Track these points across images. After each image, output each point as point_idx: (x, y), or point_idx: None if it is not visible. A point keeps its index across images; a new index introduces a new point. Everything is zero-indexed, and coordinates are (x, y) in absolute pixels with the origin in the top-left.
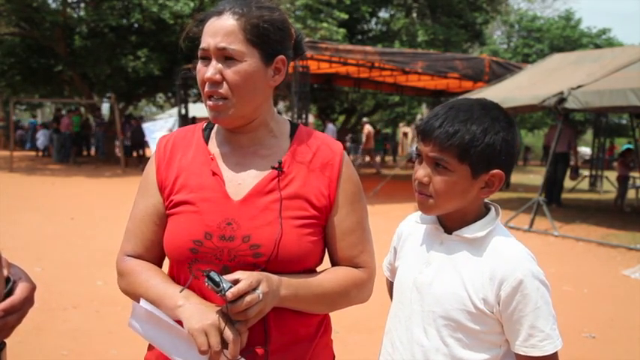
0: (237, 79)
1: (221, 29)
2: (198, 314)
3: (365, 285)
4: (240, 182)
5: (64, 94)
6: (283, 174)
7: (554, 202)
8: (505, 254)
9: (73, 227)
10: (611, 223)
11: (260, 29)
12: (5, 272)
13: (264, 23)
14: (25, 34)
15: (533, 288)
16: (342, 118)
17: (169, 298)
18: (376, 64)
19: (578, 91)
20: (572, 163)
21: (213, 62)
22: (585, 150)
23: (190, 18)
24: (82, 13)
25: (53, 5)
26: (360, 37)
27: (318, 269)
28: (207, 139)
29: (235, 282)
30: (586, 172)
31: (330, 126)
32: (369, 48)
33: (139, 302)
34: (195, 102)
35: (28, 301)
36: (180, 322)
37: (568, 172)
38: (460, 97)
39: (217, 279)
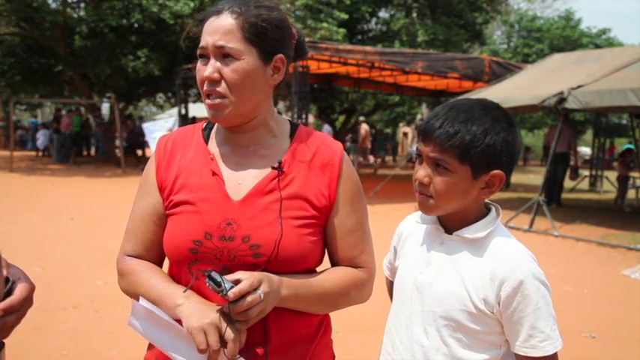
0: (235, 77)
1: (219, 28)
2: (198, 313)
3: (365, 285)
4: (240, 182)
5: (64, 94)
6: (283, 174)
7: (554, 202)
8: (506, 255)
9: (73, 227)
10: (611, 223)
11: (258, 28)
12: (4, 272)
13: (263, 22)
14: (25, 34)
15: (533, 289)
16: (342, 118)
17: (169, 297)
18: (376, 64)
19: (578, 91)
20: (572, 163)
21: (212, 61)
22: (585, 150)
23: (190, 18)
24: (82, 13)
25: (53, 5)
26: (360, 37)
27: (318, 269)
28: (207, 139)
29: (236, 282)
30: (586, 172)
31: (326, 127)
32: (369, 48)
33: (138, 301)
34: (195, 102)
35: (27, 302)
36: (179, 321)
37: (568, 172)
38: (460, 97)
39: (219, 279)
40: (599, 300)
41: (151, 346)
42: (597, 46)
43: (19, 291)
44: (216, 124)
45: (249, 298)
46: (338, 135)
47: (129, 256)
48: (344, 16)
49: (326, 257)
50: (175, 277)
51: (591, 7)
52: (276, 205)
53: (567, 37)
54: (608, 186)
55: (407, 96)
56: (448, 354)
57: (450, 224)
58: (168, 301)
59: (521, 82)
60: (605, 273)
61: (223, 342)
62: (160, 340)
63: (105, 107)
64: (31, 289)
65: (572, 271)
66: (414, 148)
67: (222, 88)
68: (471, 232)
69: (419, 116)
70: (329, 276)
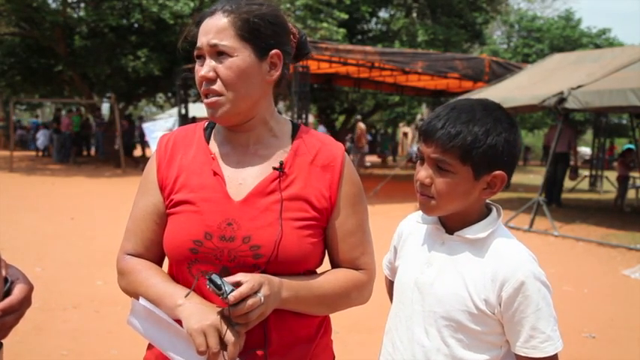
0: (230, 74)
1: (213, 27)
2: (198, 314)
3: (365, 287)
4: (241, 182)
5: (64, 94)
6: (284, 175)
7: (554, 202)
8: (507, 255)
9: (73, 227)
10: (611, 223)
11: (250, 24)
12: (3, 273)
13: (255, 18)
14: (25, 34)
15: (534, 289)
16: (342, 118)
17: (169, 297)
18: (376, 64)
19: (578, 91)
20: (572, 163)
21: (207, 60)
22: (585, 150)
23: (190, 18)
24: (82, 13)
25: (53, 5)
26: (360, 37)
27: (319, 270)
28: (208, 139)
29: (237, 284)
30: (586, 172)
31: (321, 127)
32: (369, 48)
33: (138, 300)
34: (195, 102)
35: (25, 302)
36: (179, 321)
37: (568, 172)
38: (461, 97)
39: (219, 282)
40: (599, 300)
41: (150, 346)
42: (597, 46)
43: (18, 291)
44: (217, 124)
45: (250, 302)
46: (337, 135)
47: (129, 255)
48: (344, 16)
49: (326, 258)
50: (175, 276)
51: (591, 7)
52: (276, 205)
53: (567, 37)
54: (608, 186)
55: (407, 96)
56: (449, 354)
57: (451, 224)
58: (169, 301)
59: (521, 82)
60: (605, 273)
61: (223, 344)
62: (159, 340)
63: (105, 107)
64: (30, 289)
65: (572, 271)
66: (414, 148)
67: (218, 86)
68: (472, 232)
69: (419, 116)
70: (329, 277)
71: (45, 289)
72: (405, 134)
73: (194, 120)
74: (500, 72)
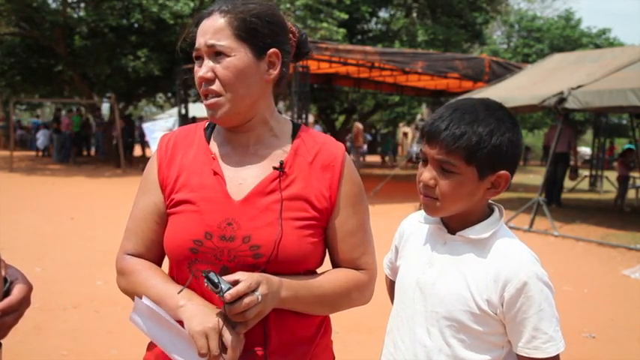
0: (228, 74)
1: (210, 27)
2: (200, 316)
3: (366, 287)
4: (241, 182)
5: (64, 94)
6: (284, 175)
7: (554, 202)
8: (509, 256)
9: (73, 227)
10: (611, 223)
11: (247, 23)
12: (3, 273)
13: (252, 17)
14: (25, 34)
15: (537, 290)
16: (342, 118)
17: (170, 298)
18: (376, 64)
19: (578, 91)
20: (572, 163)
21: (205, 61)
22: (585, 150)
23: (190, 18)
24: (82, 13)
25: (53, 5)
26: (360, 37)
27: (319, 271)
28: (208, 139)
29: (235, 283)
30: (586, 172)
31: (317, 127)
32: (369, 48)
33: (141, 298)
34: (195, 102)
35: (25, 302)
36: (181, 322)
37: (568, 172)
38: (462, 97)
39: (216, 280)
40: (599, 300)
41: (150, 347)
42: (597, 46)
43: (17, 291)
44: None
45: (247, 300)
46: (337, 135)
47: (129, 254)
48: (344, 16)
49: (327, 259)
50: (175, 277)
51: (591, 7)
52: (276, 205)
53: (567, 37)
54: (608, 186)
55: (407, 96)
56: (451, 354)
57: (453, 224)
58: (170, 301)
59: (521, 82)
60: (605, 273)
61: (224, 347)
62: (161, 339)
63: (105, 107)
64: (29, 289)
65: (572, 271)
66: (414, 148)
67: (216, 86)
68: (474, 232)
69: (419, 116)
70: (329, 277)
71: (45, 289)
72: (405, 134)
73: (194, 120)
74: (500, 72)
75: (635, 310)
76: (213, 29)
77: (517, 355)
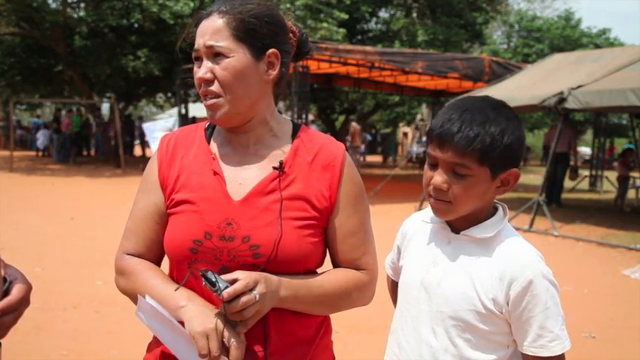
0: (227, 74)
1: (208, 28)
2: (201, 317)
3: (367, 287)
4: (241, 182)
5: (64, 94)
6: (284, 174)
7: (554, 202)
8: (515, 254)
9: (73, 227)
10: (611, 223)
11: (246, 24)
12: (2, 272)
13: (250, 17)
14: (25, 34)
15: (542, 288)
16: (342, 118)
17: (171, 299)
18: (376, 64)
19: (578, 91)
20: (572, 163)
21: (205, 61)
22: (585, 150)
23: (190, 18)
24: (82, 13)
25: (53, 5)
26: (360, 37)
27: (320, 271)
28: (208, 139)
29: (233, 282)
30: (586, 172)
31: (313, 127)
32: (369, 48)
33: (144, 297)
34: (195, 102)
35: (24, 302)
36: (182, 323)
37: (568, 172)
38: (463, 96)
39: (213, 279)
40: (599, 300)
41: (150, 347)
42: (597, 46)
43: (17, 291)
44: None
45: (244, 299)
46: (337, 135)
47: (129, 254)
48: (344, 16)
49: (328, 259)
50: (175, 277)
51: (591, 7)
52: (276, 205)
53: (567, 37)
54: (608, 186)
55: (407, 96)
56: (457, 354)
57: (458, 223)
58: (171, 302)
59: (521, 82)
60: (605, 273)
61: (225, 348)
62: (164, 337)
63: (105, 107)
64: (28, 289)
65: (572, 271)
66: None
67: (215, 87)
68: (479, 231)
69: (419, 116)
70: (330, 277)
71: (45, 289)
72: (405, 134)
73: (194, 120)
74: (500, 72)
75: (635, 310)
76: (212, 30)
77: (522, 354)
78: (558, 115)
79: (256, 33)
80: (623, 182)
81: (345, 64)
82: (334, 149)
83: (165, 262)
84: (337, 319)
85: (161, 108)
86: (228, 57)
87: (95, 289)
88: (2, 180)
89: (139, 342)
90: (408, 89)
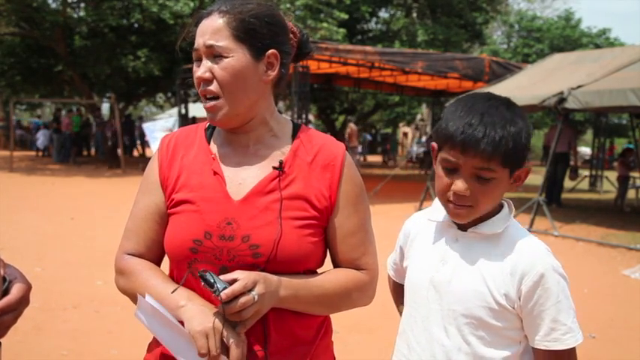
0: (225, 75)
1: (208, 28)
2: (201, 316)
3: (367, 287)
4: (241, 182)
5: (64, 94)
6: (284, 174)
7: (554, 202)
8: (524, 249)
9: (73, 227)
10: (611, 223)
11: (246, 24)
12: (1, 272)
13: (251, 18)
14: (25, 34)
15: (554, 282)
16: (342, 118)
17: (171, 298)
18: (376, 64)
19: (578, 91)
20: (572, 163)
21: (204, 61)
22: (585, 150)
23: (190, 18)
24: (82, 13)
25: (53, 5)
26: (360, 37)
27: (320, 271)
28: (209, 139)
29: (232, 282)
30: (586, 172)
31: (310, 126)
32: (369, 48)
33: (144, 297)
34: (195, 102)
35: (23, 301)
36: (182, 322)
37: (568, 172)
38: (468, 96)
39: (212, 280)
40: (599, 300)
41: (150, 347)
42: (597, 46)
43: (16, 290)
44: None
45: (243, 300)
46: (337, 135)
47: (129, 254)
48: (344, 16)
49: (328, 259)
50: (175, 277)
51: (591, 7)
52: (276, 205)
53: (567, 37)
54: (608, 186)
55: (407, 96)
56: (470, 352)
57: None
58: (170, 302)
59: (521, 82)
60: (605, 273)
61: (225, 348)
62: (164, 338)
63: (105, 107)
64: (28, 288)
65: (572, 271)
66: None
67: (214, 86)
68: (488, 227)
69: (419, 116)
70: (330, 277)
71: (45, 289)
72: (405, 134)
73: (194, 120)
74: (500, 72)
75: (635, 310)
76: (212, 30)
77: (534, 349)
78: (558, 115)
79: (256, 33)
80: (623, 182)
81: (345, 64)
82: (334, 149)
83: (166, 262)
84: (337, 319)
85: (161, 108)
86: (227, 57)
87: (95, 289)
88: (2, 180)
89: (139, 342)
90: (408, 89)
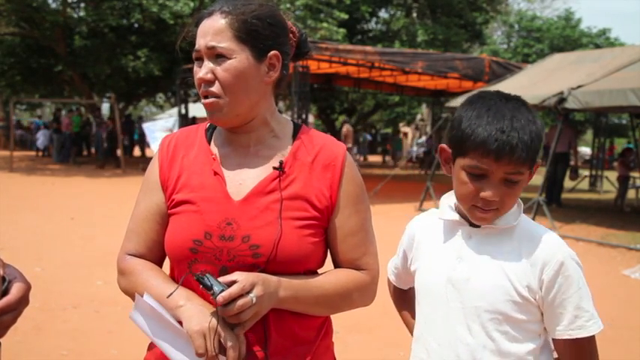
0: (228, 76)
1: (210, 28)
2: (199, 316)
3: (368, 287)
4: (241, 182)
5: (64, 94)
6: (284, 174)
7: (554, 202)
8: (541, 239)
9: (73, 227)
10: (611, 223)
11: (248, 25)
12: (1, 272)
13: (253, 19)
14: (25, 34)
15: (573, 269)
16: (342, 118)
17: (170, 298)
18: (376, 64)
19: (578, 91)
20: (572, 163)
21: (206, 62)
22: (585, 150)
23: (190, 18)
24: (82, 13)
25: (53, 5)
26: (360, 37)
27: (321, 271)
28: (209, 139)
29: (231, 284)
30: (586, 172)
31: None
32: (369, 48)
33: (142, 296)
34: (195, 102)
35: (23, 301)
36: (181, 322)
37: (568, 172)
38: (483, 95)
39: (209, 283)
40: (599, 300)
41: (150, 347)
42: (597, 46)
43: (16, 290)
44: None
45: (240, 302)
46: (337, 135)
47: (130, 255)
48: (344, 16)
49: (329, 259)
50: (176, 277)
51: (591, 7)
52: (276, 205)
53: (567, 37)
54: (608, 186)
55: (407, 96)
56: (495, 349)
57: None
58: (170, 301)
59: (521, 82)
60: (605, 273)
61: (223, 348)
62: (160, 338)
63: (105, 107)
64: (28, 288)
65: None
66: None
67: (216, 88)
68: (503, 221)
69: (419, 116)
70: (330, 277)
71: (45, 289)
72: (405, 134)
73: (194, 120)
74: (500, 72)
75: (635, 310)
76: (214, 30)
77: (555, 340)
78: (558, 115)
79: (259, 34)
80: (623, 182)
81: (345, 64)
82: (335, 149)
83: (166, 263)
84: (337, 319)
85: (161, 108)
86: (229, 58)
87: (95, 289)
88: (2, 180)
89: (139, 342)
90: (408, 89)
